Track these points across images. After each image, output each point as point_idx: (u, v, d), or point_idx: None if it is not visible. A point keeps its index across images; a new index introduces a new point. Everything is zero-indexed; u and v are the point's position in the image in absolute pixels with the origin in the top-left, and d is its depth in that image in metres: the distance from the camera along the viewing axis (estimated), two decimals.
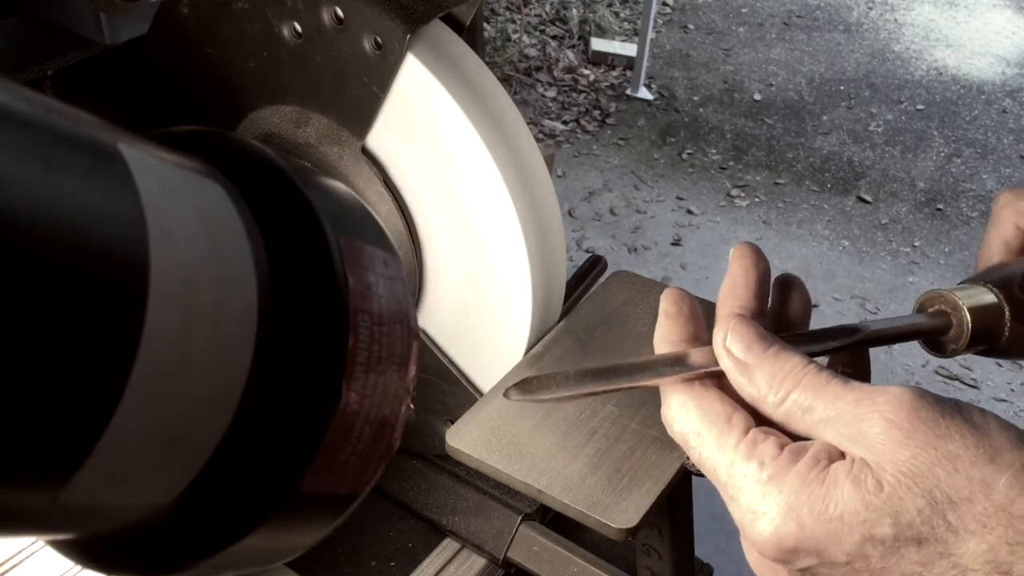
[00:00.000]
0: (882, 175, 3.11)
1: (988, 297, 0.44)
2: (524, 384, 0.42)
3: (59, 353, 0.17)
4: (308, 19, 0.54)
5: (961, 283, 0.46)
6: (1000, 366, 2.36)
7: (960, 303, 0.43)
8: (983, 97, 3.61)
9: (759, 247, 0.42)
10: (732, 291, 0.40)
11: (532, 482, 0.48)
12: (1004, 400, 2.26)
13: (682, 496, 0.57)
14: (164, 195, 0.20)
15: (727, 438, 0.36)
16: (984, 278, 0.45)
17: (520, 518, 0.62)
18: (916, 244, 2.79)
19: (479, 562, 0.63)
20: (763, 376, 0.36)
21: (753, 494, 0.34)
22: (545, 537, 0.61)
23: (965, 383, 2.29)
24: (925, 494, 0.32)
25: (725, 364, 0.37)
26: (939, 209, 2.96)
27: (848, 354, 0.43)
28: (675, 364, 0.38)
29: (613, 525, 0.46)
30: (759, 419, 0.37)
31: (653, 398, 0.51)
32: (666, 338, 0.40)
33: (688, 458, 0.38)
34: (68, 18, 0.61)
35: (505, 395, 0.42)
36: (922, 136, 3.35)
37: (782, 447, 0.35)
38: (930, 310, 0.45)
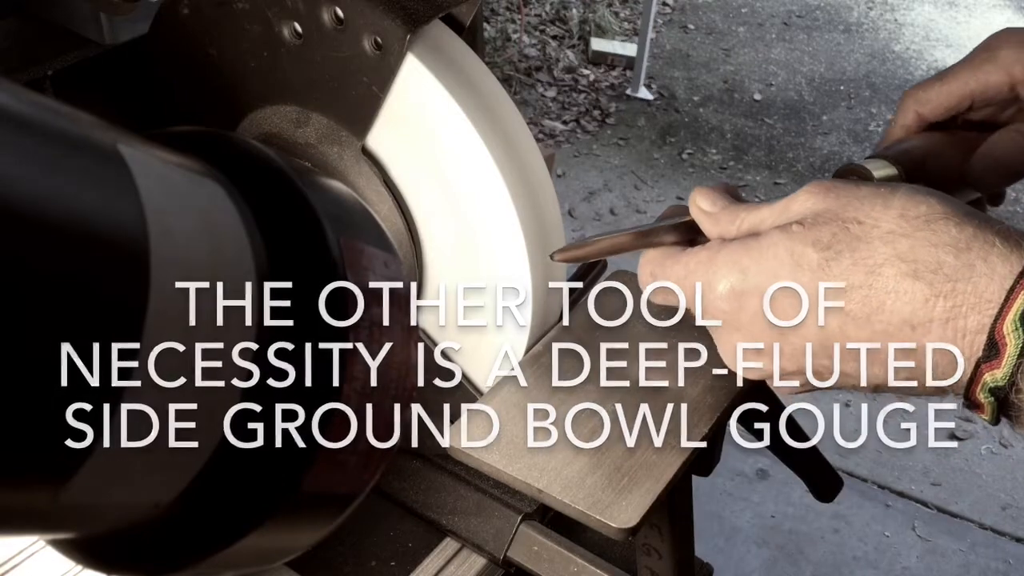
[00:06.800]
0: None
1: (889, 170, 0.52)
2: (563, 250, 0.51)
3: (60, 352, 0.17)
4: (308, 19, 0.54)
5: (867, 157, 0.54)
6: None
7: (871, 174, 0.52)
8: None
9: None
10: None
11: (532, 482, 0.48)
12: None
13: (682, 496, 0.57)
14: (164, 195, 0.20)
15: (679, 256, 0.46)
16: (885, 153, 0.54)
17: (520, 518, 0.62)
18: None
19: (479, 562, 0.63)
20: (724, 218, 0.46)
21: (705, 266, 0.44)
22: (545, 537, 0.61)
23: None
24: (835, 221, 0.40)
25: (696, 214, 0.47)
26: None
27: None
28: (665, 222, 0.49)
29: (613, 525, 0.46)
30: None
31: (652, 399, 0.51)
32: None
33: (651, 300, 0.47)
34: (68, 18, 0.62)
35: (551, 257, 0.51)
36: None
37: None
38: None
